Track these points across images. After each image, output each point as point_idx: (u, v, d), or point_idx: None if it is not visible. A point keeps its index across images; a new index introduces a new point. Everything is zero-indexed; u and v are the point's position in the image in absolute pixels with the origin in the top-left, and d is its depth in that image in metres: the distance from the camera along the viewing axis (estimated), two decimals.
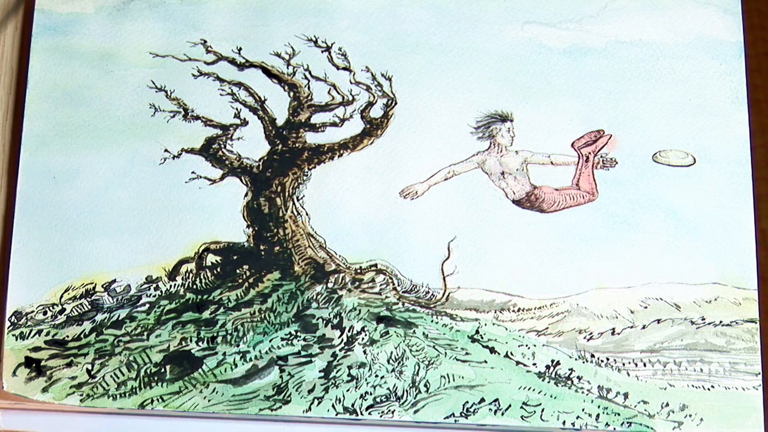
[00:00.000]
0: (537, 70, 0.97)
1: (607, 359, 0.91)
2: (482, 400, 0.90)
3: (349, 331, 0.91)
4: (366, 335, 0.91)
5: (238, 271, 0.93)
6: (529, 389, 0.90)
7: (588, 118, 0.96)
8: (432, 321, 0.92)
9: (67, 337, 0.91)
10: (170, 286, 0.92)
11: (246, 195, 0.95)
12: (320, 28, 0.98)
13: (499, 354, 0.91)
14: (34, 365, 0.90)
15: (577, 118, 0.96)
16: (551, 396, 0.90)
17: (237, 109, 0.96)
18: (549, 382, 0.91)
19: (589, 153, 0.96)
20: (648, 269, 0.93)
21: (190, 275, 0.93)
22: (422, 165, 0.95)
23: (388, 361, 0.91)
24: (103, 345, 0.91)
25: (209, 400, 0.89)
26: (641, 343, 0.92)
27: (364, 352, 0.91)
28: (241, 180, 0.95)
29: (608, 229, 0.94)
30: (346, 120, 0.97)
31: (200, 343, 0.91)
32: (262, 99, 0.97)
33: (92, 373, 0.90)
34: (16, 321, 0.91)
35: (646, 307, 0.92)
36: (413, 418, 0.89)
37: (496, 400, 0.90)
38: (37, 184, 0.94)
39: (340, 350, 0.91)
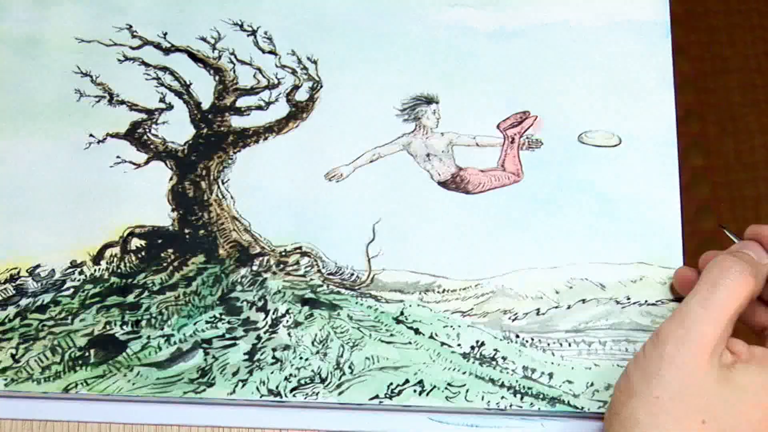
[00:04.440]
0: (463, 53, 0.98)
1: (532, 339, 0.91)
2: (407, 381, 0.90)
3: (273, 313, 0.92)
4: (290, 318, 0.91)
5: (162, 254, 0.93)
6: (453, 370, 0.90)
7: (514, 99, 0.97)
8: (357, 303, 0.92)
9: None
10: (95, 270, 0.92)
11: (171, 179, 0.95)
12: (245, 12, 0.98)
13: (423, 335, 0.91)
14: None
15: (503, 99, 0.97)
16: (476, 377, 0.90)
17: (162, 93, 0.97)
18: (474, 362, 0.91)
19: (515, 134, 0.96)
20: (573, 249, 0.93)
21: (115, 259, 0.93)
22: (347, 147, 0.95)
23: (313, 344, 0.91)
24: (28, 329, 0.91)
25: (134, 384, 0.90)
26: (566, 323, 0.92)
27: (289, 334, 0.91)
28: (166, 164, 0.95)
29: (534, 210, 0.94)
30: (272, 103, 0.97)
31: (124, 327, 0.91)
32: (188, 83, 0.97)
33: (16, 357, 0.90)
34: None
35: (571, 288, 0.93)
36: (338, 399, 0.89)
37: (421, 381, 0.90)
38: None
39: (265, 333, 0.91)
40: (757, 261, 0.84)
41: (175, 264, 0.93)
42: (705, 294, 0.81)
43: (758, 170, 0.99)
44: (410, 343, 0.91)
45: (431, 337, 0.91)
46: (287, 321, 0.91)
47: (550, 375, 0.90)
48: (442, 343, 0.91)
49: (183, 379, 0.90)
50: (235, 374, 0.90)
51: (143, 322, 0.91)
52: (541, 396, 0.90)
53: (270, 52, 0.98)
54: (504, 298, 0.92)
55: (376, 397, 0.90)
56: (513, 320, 0.92)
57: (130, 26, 0.98)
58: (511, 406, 0.89)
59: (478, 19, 0.98)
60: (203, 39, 0.98)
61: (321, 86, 0.97)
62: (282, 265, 0.93)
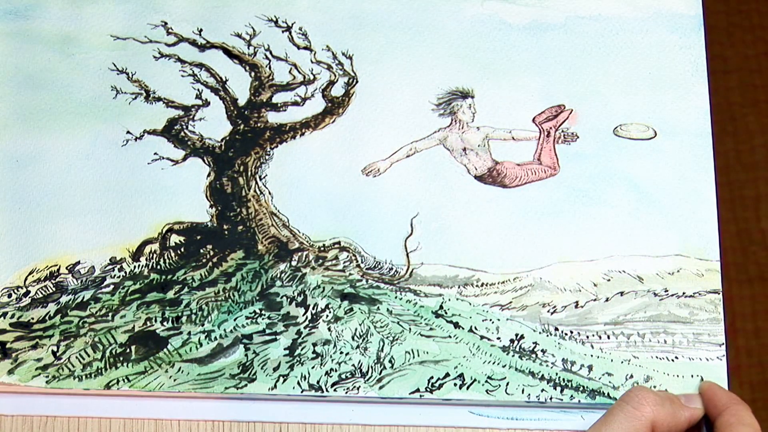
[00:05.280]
0: (497, 47, 0.98)
1: (571, 332, 0.91)
2: (447, 374, 0.90)
3: (313, 308, 0.92)
4: (330, 312, 0.92)
5: (201, 250, 0.93)
6: (493, 363, 0.91)
7: (549, 93, 0.97)
8: (396, 297, 0.92)
9: (32, 319, 0.91)
10: (134, 267, 0.93)
11: (209, 175, 0.95)
12: (280, 8, 0.98)
13: (463, 329, 0.92)
14: None
15: (538, 93, 0.97)
16: (516, 370, 0.91)
17: (199, 90, 0.97)
18: (513, 356, 0.91)
19: (551, 128, 0.96)
20: (610, 242, 0.93)
21: (154, 256, 0.93)
22: (384, 142, 0.96)
23: (353, 338, 0.91)
24: (68, 326, 0.91)
25: (175, 380, 0.90)
26: (605, 315, 0.92)
27: (329, 329, 0.91)
28: (204, 160, 0.95)
29: (570, 203, 0.94)
30: (308, 99, 0.97)
31: (165, 323, 0.91)
32: (224, 79, 0.97)
33: (58, 354, 0.90)
34: None
35: (609, 280, 0.93)
36: (378, 393, 0.90)
37: (461, 374, 0.90)
38: None
39: (305, 328, 0.91)
40: (679, 404, 0.85)
41: (215, 260, 0.93)
42: (602, 420, 0.84)
43: (758, 170, 0.99)
44: (450, 336, 0.91)
45: (471, 330, 0.92)
46: (327, 316, 0.92)
47: (590, 367, 0.91)
48: (482, 337, 0.91)
49: (224, 374, 0.90)
50: (276, 369, 0.90)
51: (183, 318, 0.91)
52: (581, 388, 0.90)
53: (305, 48, 0.98)
54: (542, 291, 0.93)
55: (417, 390, 0.90)
56: (552, 313, 0.92)
57: (165, 23, 0.98)
58: (551, 398, 0.90)
59: (512, 12, 0.98)
60: (238, 35, 0.98)
61: (356, 81, 0.97)
62: (321, 261, 0.93)
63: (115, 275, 0.92)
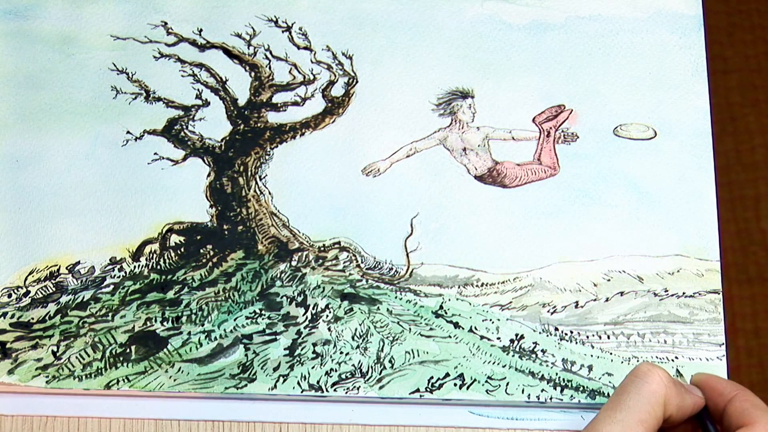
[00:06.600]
0: (497, 47, 0.98)
1: (571, 332, 0.91)
2: (447, 374, 0.90)
3: (313, 308, 0.92)
4: (330, 312, 0.92)
5: (201, 251, 0.93)
6: (493, 363, 0.91)
7: (549, 93, 0.97)
8: (396, 297, 0.92)
9: (32, 319, 0.91)
10: (134, 267, 0.93)
11: (209, 175, 0.95)
12: (280, 8, 0.99)
13: (463, 329, 0.92)
14: None
15: (538, 93, 0.97)
16: (516, 370, 0.91)
17: (199, 90, 0.97)
18: (513, 356, 0.91)
19: (551, 128, 0.96)
20: (610, 242, 0.93)
21: (154, 256, 0.93)
22: (384, 142, 0.96)
23: (353, 338, 0.91)
24: (68, 326, 0.91)
25: (175, 380, 0.90)
26: (605, 315, 0.92)
27: (329, 329, 0.91)
28: (204, 160, 0.95)
29: (570, 203, 0.94)
30: (308, 99, 0.97)
31: (165, 323, 0.91)
32: (224, 80, 0.97)
33: (58, 354, 0.90)
34: None
35: (609, 280, 0.93)
36: (378, 394, 0.90)
37: (461, 375, 0.90)
38: None
39: (305, 328, 0.91)
40: (684, 389, 0.84)
41: (215, 260, 0.93)
42: (615, 398, 0.82)
43: (758, 170, 0.99)
44: (450, 336, 0.91)
45: (471, 330, 0.92)
46: (327, 316, 0.92)
47: (590, 367, 0.91)
48: (482, 337, 0.91)
49: (224, 374, 0.90)
50: (276, 369, 0.90)
51: (183, 318, 0.91)
52: (581, 388, 0.90)
53: (305, 48, 0.98)
54: (542, 291, 0.93)
55: (417, 390, 0.90)
56: (552, 313, 0.92)
57: (165, 23, 0.98)
58: (551, 398, 0.90)
59: (512, 12, 0.98)
60: (238, 35, 0.98)
61: (356, 81, 0.97)
62: (321, 261, 0.93)
63: (115, 275, 0.92)
